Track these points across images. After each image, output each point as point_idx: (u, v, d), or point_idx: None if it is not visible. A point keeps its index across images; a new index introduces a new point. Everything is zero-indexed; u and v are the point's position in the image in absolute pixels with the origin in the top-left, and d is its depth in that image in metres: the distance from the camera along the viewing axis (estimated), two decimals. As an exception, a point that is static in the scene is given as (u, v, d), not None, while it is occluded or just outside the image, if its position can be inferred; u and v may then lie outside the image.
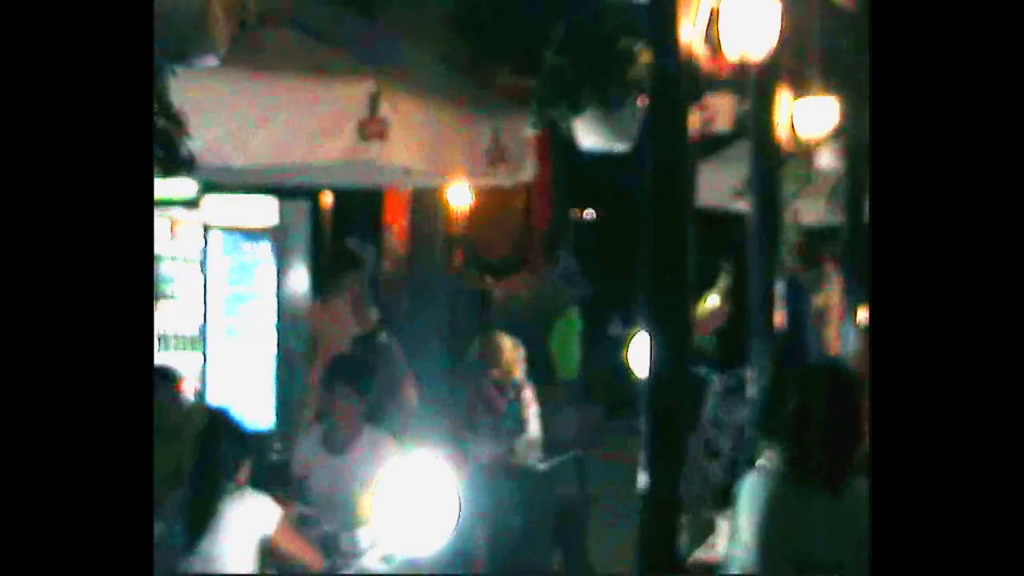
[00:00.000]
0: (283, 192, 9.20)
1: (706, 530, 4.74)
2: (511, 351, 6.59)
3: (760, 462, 3.91)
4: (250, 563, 4.41)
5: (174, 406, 5.47)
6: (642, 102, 4.23)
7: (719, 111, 6.29)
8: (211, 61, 3.17)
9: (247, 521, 4.40)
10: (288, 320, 9.11)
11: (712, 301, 7.93)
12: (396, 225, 12.21)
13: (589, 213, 17.48)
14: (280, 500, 4.67)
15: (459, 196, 12.25)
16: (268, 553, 4.51)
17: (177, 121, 2.88)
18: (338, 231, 10.75)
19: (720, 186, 8.41)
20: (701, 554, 4.48)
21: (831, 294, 9.11)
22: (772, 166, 5.75)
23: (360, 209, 11.44)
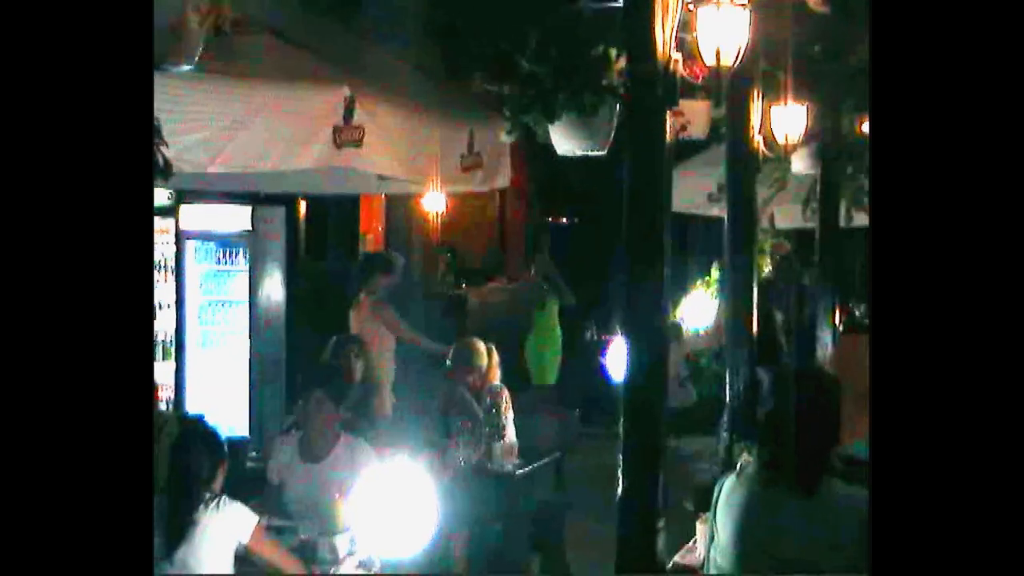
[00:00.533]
0: (258, 200, 9.18)
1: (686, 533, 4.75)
2: (487, 356, 6.60)
3: (740, 463, 3.93)
4: (227, 570, 4.39)
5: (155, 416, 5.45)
6: (617, 108, 4.24)
7: (694, 117, 6.32)
8: (186, 67, 3.16)
9: (223, 529, 4.38)
10: (262, 328, 9.09)
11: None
12: (371, 233, 12.20)
13: (564, 219, 17.50)
14: (256, 508, 4.64)
15: (434, 203, 12.25)
16: (245, 561, 4.49)
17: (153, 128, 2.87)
18: (313, 238, 10.72)
19: (696, 191, 8.46)
20: (680, 558, 4.49)
21: (806, 297, 9.17)
22: (747, 171, 5.78)
23: (335, 216, 11.42)
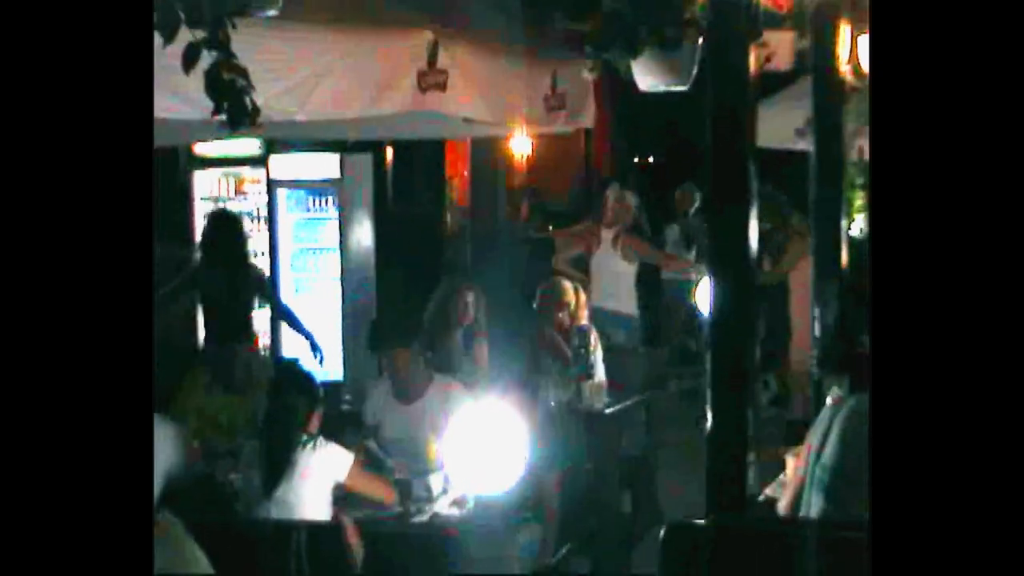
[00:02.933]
0: (345, 147, 9.28)
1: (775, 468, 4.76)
2: (575, 296, 6.63)
3: (835, 391, 3.95)
4: (326, 508, 4.51)
5: (250, 359, 5.59)
6: (700, 42, 4.20)
7: (779, 48, 6.20)
8: (271, 11, 3.19)
9: (321, 468, 4.49)
10: (353, 274, 9.23)
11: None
12: (457, 177, 12.25)
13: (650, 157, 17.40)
14: (352, 449, 4.75)
15: (519, 145, 12.25)
16: (343, 499, 4.61)
17: (242, 73, 2.90)
18: (400, 184, 10.80)
19: (782, 126, 8.32)
20: (770, 491, 4.51)
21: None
22: (834, 103, 5.68)
23: (421, 162, 11.48)
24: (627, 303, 8.63)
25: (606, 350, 6.69)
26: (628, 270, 8.71)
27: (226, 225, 6.94)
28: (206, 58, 2.94)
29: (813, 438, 3.76)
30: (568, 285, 6.68)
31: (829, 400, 3.95)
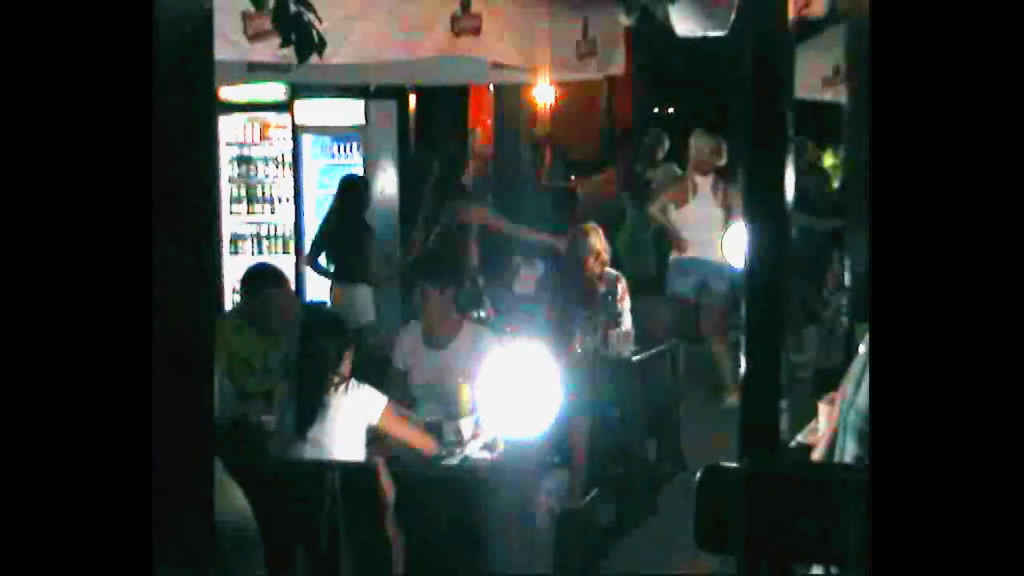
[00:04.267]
0: (369, 94, 9.27)
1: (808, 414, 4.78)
2: (604, 244, 6.64)
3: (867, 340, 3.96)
4: (360, 450, 4.55)
5: (283, 303, 5.62)
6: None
7: (815, -5, 6.15)
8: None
9: (353, 410, 4.53)
10: (378, 219, 9.23)
11: None
12: (480, 126, 12.23)
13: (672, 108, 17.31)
14: (383, 391, 4.78)
15: (542, 95, 12.21)
16: (377, 441, 4.65)
17: (307, 4, 2.90)
18: (424, 131, 10.79)
19: (812, 74, 8.27)
20: (803, 437, 4.53)
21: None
22: (866, 51, 5.63)
23: (445, 109, 11.46)
24: (727, 251, 7.85)
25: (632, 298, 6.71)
26: (720, 218, 8.16)
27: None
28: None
29: (848, 384, 3.77)
30: (595, 231, 6.69)
31: (862, 348, 3.96)
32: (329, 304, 7.51)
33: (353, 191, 7.78)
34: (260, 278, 5.64)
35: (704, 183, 8.28)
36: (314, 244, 7.99)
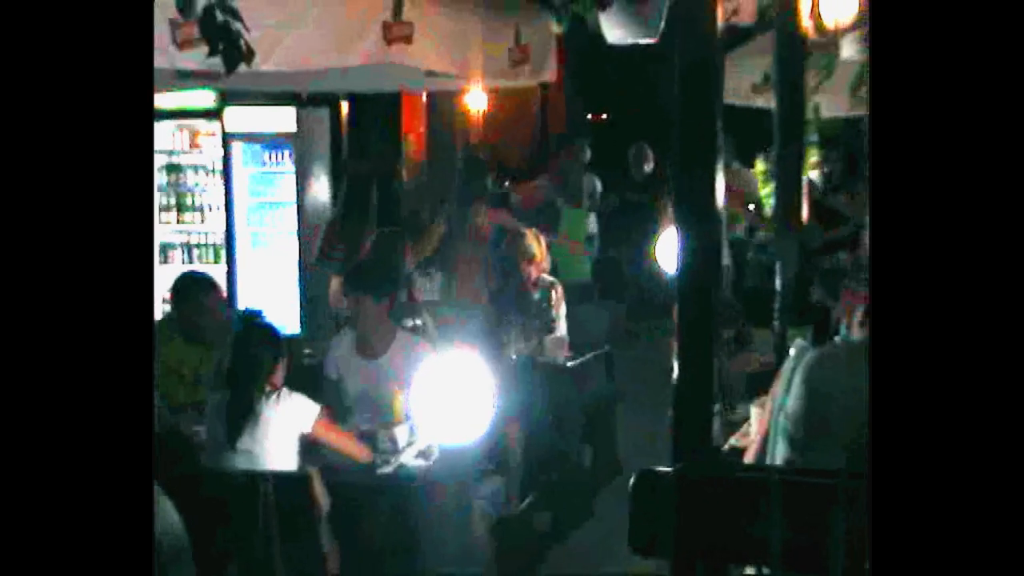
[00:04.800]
0: (301, 101, 9.21)
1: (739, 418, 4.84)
2: (541, 249, 6.65)
3: (799, 342, 4.02)
4: (292, 460, 4.52)
5: (216, 313, 5.56)
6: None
7: (743, 2, 6.23)
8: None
9: (286, 419, 4.50)
10: (310, 228, 9.18)
11: None
12: (413, 133, 12.21)
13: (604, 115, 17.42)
14: (316, 401, 4.75)
15: (476, 101, 12.22)
16: (310, 451, 4.62)
17: (234, 14, 2.88)
18: (357, 139, 10.74)
19: (741, 81, 8.35)
20: (735, 440, 4.58)
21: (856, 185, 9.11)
22: (796, 58, 5.71)
23: (378, 116, 11.42)
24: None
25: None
26: None
27: None
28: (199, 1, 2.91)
29: (778, 388, 3.82)
30: (532, 236, 6.70)
31: (792, 351, 4.01)
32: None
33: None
34: (190, 286, 5.58)
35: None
36: None
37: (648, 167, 10.74)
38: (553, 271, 7.07)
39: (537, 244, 6.66)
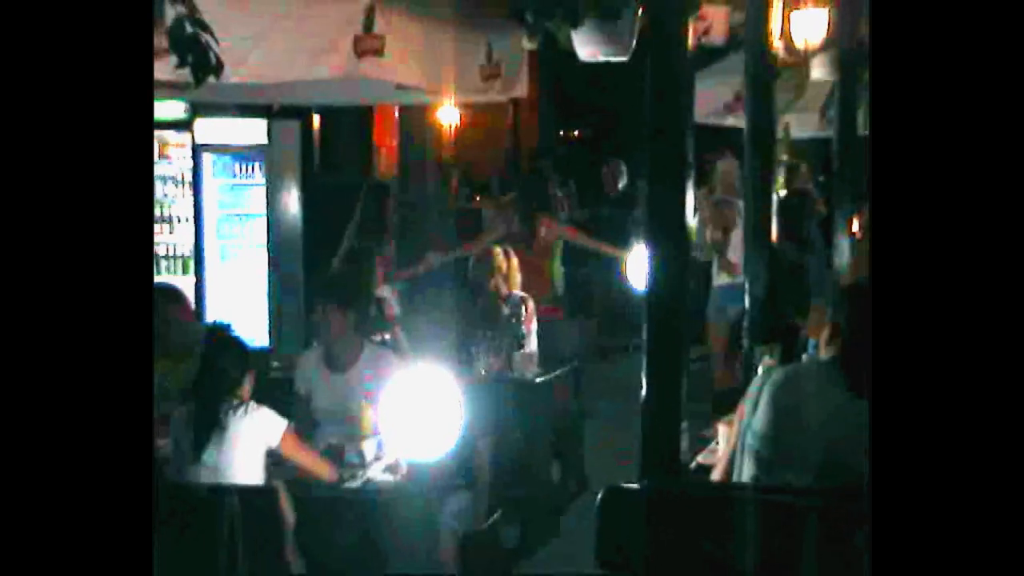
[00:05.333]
0: (272, 113, 9.19)
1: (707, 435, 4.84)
2: (508, 265, 6.65)
3: (767, 361, 4.03)
4: (259, 474, 4.48)
5: (183, 325, 5.52)
6: (640, 12, 4.22)
7: (714, 22, 6.26)
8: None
9: (253, 434, 4.47)
10: (280, 240, 9.16)
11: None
12: (384, 147, 12.21)
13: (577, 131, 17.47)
14: (284, 415, 4.72)
15: (448, 116, 12.23)
16: (277, 465, 4.59)
17: (204, 26, 2.87)
18: (328, 151, 10.73)
19: (712, 101, 8.41)
20: (702, 459, 4.58)
21: (823, 207, 9.16)
22: (766, 78, 5.74)
23: (349, 130, 11.42)
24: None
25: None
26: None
27: None
28: (169, 13, 2.90)
29: (745, 406, 3.83)
30: (501, 253, 6.70)
31: (760, 369, 4.03)
32: None
33: None
34: (158, 297, 5.54)
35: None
36: None
37: (622, 184, 10.79)
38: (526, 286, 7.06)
39: (504, 260, 6.65)
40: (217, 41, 2.94)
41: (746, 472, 3.81)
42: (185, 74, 3.19)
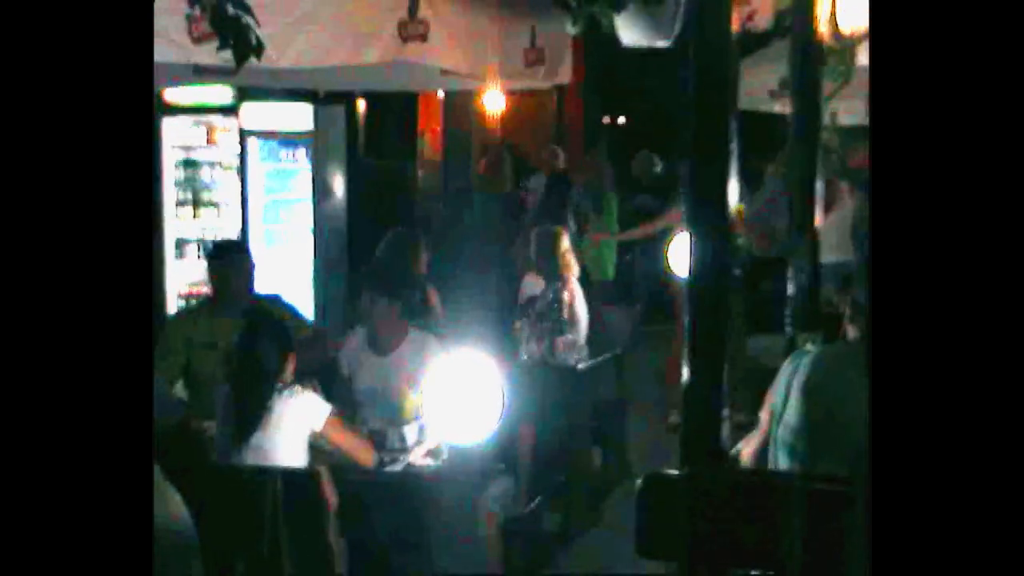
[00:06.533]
0: (318, 98, 9.23)
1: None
2: (566, 245, 6.63)
3: (808, 348, 4.00)
4: (301, 457, 4.52)
5: (246, 272, 5.60)
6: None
7: (760, 6, 6.20)
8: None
9: (296, 417, 4.50)
10: (325, 225, 9.20)
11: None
12: (429, 132, 12.23)
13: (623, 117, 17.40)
14: (327, 399, 4.76)
15: (492, 101, 12.23)
16: (320, 448, 4.62)
17: (246, 9, 2.89)
18: (373, 137, 10.76)
19: (758, 86, 8.33)
20: (744, 446, 4.56)
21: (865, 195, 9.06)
22: (812, 64, 5.69)
23: (394, 115, 11.44)
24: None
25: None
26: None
27: None
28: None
29: (775, 398, 3.79)
30: (561, 233, 6.69)
31: (786, 361, 3.99)
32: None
33: None
34: (227, 247, 5.75)
35: (845, 185, 8.29)
36: None
37: (658, 169, 10.76)
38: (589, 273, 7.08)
39: (562, 240, 6.65)
40: (258, 23, 2.95)
41: (781, 466, 3.79)
42: (229, 59, 3.21)
